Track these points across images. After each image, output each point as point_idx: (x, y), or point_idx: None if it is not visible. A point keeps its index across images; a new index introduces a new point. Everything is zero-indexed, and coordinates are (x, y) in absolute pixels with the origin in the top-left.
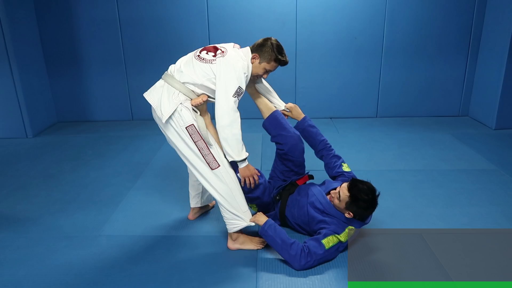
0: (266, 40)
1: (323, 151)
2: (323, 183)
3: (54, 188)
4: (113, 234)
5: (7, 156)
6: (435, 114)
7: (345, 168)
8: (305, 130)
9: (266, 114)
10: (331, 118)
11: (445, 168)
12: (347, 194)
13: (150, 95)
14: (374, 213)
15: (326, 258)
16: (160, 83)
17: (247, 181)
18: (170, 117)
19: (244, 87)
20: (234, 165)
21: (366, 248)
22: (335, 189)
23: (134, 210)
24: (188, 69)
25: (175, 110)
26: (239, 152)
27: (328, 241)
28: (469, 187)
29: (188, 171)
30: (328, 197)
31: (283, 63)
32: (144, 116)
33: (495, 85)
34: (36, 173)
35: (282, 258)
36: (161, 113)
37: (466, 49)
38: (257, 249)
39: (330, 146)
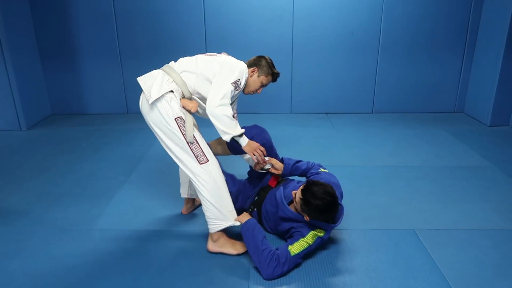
0: (261, 57)
1: (311, 171)
2: (292, 184)
3: (48, 181)
4: (106, 228)
5: (0, 148)
6: (431, 110)
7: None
8: (292, 170)
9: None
10: (326, 113)
11: (439, 165)
12: (300, 197)
13: (144, 79)
14: (368, 209)
15: (293, 265)
16: (157, 71)
17: (257, 154)
18: (157, 101)
19: (242, 85)
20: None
21: (359, 244)
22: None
23: (128, 204)
24: (190, 60)
25: (162, 96)
26: (234, 128)
27: (295, 247)
28: (463, 184)
29: None
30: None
31: (277, 76)
32: (139, 110)
33: (491, 82)
34: (30, 166)
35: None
36: (149, 95)
37: (463, 45)
38: (237, 254)
39: (313, 164)
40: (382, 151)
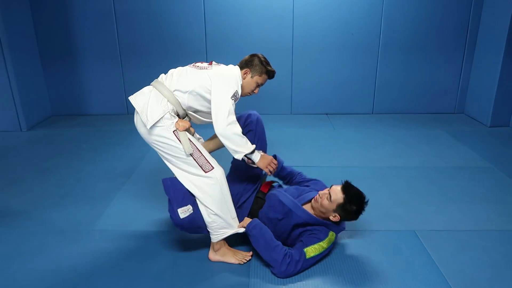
0: (253, 55)
1: (297, 178)
2: (289, 190)
3: (48, 182)
4: (106, 229)
5: (0, 149)
6: (431, 111)
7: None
8: (281, 169)
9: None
10: (327, 114)
11: (440, 165)
12: (341, 195)
13: (136, 99)
14: (367, 209)
15: (307, 266)
16: (148, 88)
17: (271, 169)
18: (155, 124)
19: (240, 93)
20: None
21: (359, 245)
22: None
23: (128, 204)
24: (181, 76)
25: (161, 118)
26: (245, 145)
27: (311, 250)
28: (464, 185)
29: None
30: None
31: (273, 73)
32: None
33: (491, 83)
34: (30, 167)
35: None
36: (147, 119)
37: (463, 46)
38: (238, 263)
39: (295, 170)
40: (382, 152)
